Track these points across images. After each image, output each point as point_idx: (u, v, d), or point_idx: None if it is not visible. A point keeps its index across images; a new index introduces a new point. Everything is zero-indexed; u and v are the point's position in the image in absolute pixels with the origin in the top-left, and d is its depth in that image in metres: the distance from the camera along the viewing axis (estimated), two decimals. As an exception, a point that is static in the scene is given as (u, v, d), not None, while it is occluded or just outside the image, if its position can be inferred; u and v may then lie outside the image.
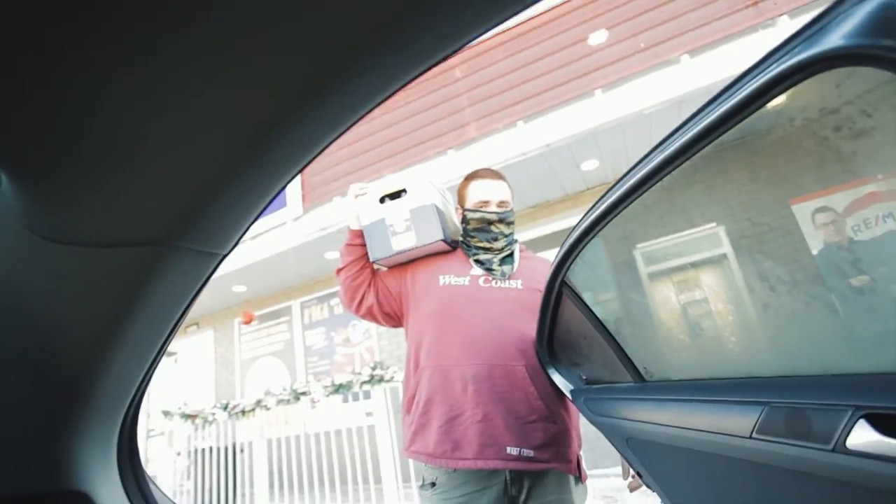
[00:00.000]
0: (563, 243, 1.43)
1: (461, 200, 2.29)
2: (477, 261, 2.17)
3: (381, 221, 2.19)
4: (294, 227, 6.97)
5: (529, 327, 1.95)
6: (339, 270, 2.30)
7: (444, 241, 2.16)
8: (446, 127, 6.25)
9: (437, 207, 2.18)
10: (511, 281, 2.14)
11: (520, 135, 5.67)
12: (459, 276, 2.14)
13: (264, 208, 0.64)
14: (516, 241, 2.29)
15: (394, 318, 2.27)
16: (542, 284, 1.68)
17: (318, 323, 8.38)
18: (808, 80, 0.82)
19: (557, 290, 1.52)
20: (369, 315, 2.28)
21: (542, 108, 5.69)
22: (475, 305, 2.06)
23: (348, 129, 0.55)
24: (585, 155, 5.78)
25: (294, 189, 7.10)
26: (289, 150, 0.57)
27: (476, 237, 2.20)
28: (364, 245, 2.26)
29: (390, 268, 2.31)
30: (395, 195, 2.20)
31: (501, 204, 2.20)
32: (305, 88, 0.48)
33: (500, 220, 2.18)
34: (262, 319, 8.98)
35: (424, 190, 2.18)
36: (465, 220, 2.26)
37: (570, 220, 6.76)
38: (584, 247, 1.37)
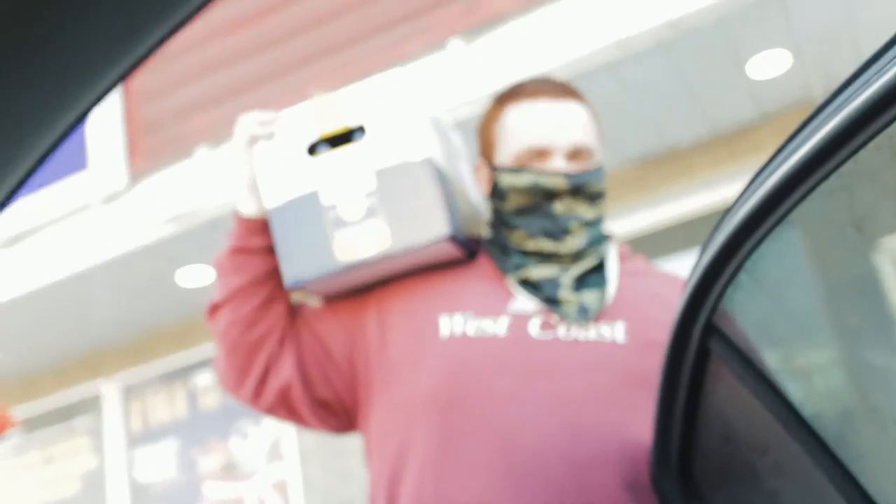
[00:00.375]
0: (707, 245, 0.96)
1: (486, 149, 1.49)
2: (525, 282, 1.40)
3: (312, 199, 1.37)
4: (108, 214, 4.68)
5: (644, 430, 1.24)
6: (214, 309, 1.44)
7: (452, 240, 1.35)
8: None
9: (436, 166, 1.36)
10: (603, 325, 1.36)
11: (610, 1, 3.66)
12: (486, 315, 1.37)
13: (27, 175, 0.45)
14: (609, 236, 1.49)
15: (336, 414, 1.45)
16: (666, 331, 1.14)
17: (163, 430, 6.14)
18: None
19: (698, 348, 1.04)
20: (282, 407, 1.43)
21: None
22: (522, 384, 1.30)
23: None
24: (758, 39, 3.80)
25: (107, 135, 4.75)
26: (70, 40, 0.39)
27: (522, 228, 1.42)
28: (269, 252, 1.42)
29: (329, 301, 1.48)
30: (340, 139, 1.38)
31: (577, 154, 1.41)
32: None
33: (576, 191, 1.40)
34: (31, 426, 6.52)
35: (408, 126, 1.36)
36: (496, 193, 1.46)
37: (719, 192, 4.63)
38: (754, 248, 0.89)
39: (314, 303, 1.52)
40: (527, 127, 1.40)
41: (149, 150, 4.43)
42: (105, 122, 4.34)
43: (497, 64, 3.68)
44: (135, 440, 6.09)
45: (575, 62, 3.57)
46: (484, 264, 1.44)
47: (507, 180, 1.40)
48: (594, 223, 1.42)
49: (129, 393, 6.14)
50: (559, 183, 1.36)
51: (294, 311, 1.47)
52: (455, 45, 3.74)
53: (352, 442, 4.95)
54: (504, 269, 1.41)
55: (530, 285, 1.38)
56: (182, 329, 5.86)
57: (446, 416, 1.29)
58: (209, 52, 4.34)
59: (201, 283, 5.11)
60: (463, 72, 3.84)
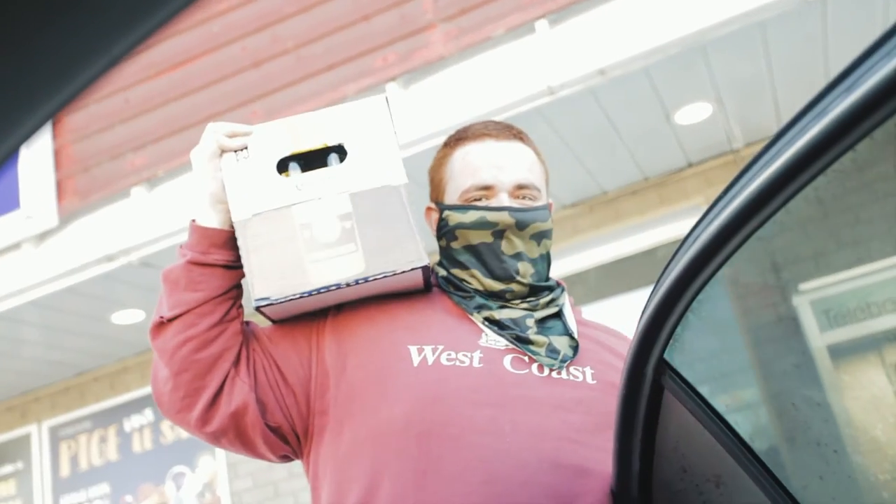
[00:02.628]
0: (657, 285, 1.00)
1: (436, 191, 1.49)
2: (491, 322, 1.36)
3: (285, 215, 1.30)
4: (38, 254, 4.44)
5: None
6: (161, 325, 1.30)
7: (424, 269, 1.32)
8: (385, 34, 3.96)
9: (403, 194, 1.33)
10: (572, 368, 1.34)
11: (541, 48, 3.68)
12: (458, 348, 1.32)
13: None
14: (562, 286, 1.49)
15: (285, 441, 1.36)
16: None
17: (93, 474, 5.80)
18: None
19: (651, 384, 1.05)
20: (231, 432, 1.31)
21: None
22: (500, 415, 1.26)
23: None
24: (683, 94, 3.92)
25: (39, 174, 4.49)
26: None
27: (472, 269, 1.40)
28: (233, 267, 1.32)
29: (281, 322, 1.40)
30: (313, 157, 1.33)
31: (521, 191, 1.41)
32: None
33: (521, 227, 1.38)
34: None
35: (385, 149, 1.33)
36: (445, 233, 1.44)
37: (649, 236, 4.68)
38: (700, 289, 0.94)
39: (261, 324, 1.44)
40: (472, 166, 1.40)
41: (81, 189, 4.27)
42: (36, 161, 4.16)
43: (432, 108, 3.66)
44: (62, 485, 5.82)
45: (507, 107, 3.55)
46: (443, 300, 1.41)
47: (454, 218, 1.39)
48: (540, 261, 1.41)
49: (59, 436, 5.84)
50: (504, 218, 1.36)
51: (245, 331, 1.37)
52: (392, 89, 3.73)
53: (286, 485, 4.84)
54: (466, 308, 1.37)
55: (497, 324, 1.35)
56: (114, 370, 5.65)
57: (423, 443, 1.22)
58: (141, 90, 4.22)
59: (133, 321, 4.91)
60: (398, 115, 3.68)
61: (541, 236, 1.40)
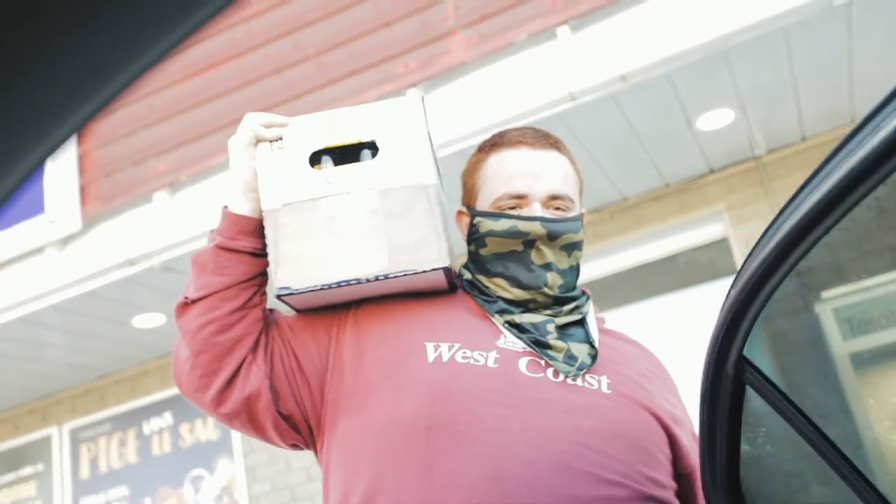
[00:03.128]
0: (735, 283, 0.98)
1: (468, 196, 1.48)
2: (512, 324, 1.35)
3: (313, 207, 1.29)
4: (61, 258, 4.42)
5: (621, 479, 1.24)
6: (186, 305, 1.33)
7: (447, 270, 1.32)
8: (407, 40, 3.90)
9: (438, 192, 1.33)
10: (588, 376, 1.32)
11: (563, 53, 3.63)
12: (474, 347, 1.32)
13: None
14: (587, 294, 1.49)
15: (296, 430, 1.38)
16: (647, 396, 1.34)
17: (114, 477, 5.75)
18: None
19: (733, 381, 1.05)
20: (244, 415, 1.34)
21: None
22: (511, 416, 1.24)
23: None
24: (705, 99, 3.88)
25: (63, 179, 4.46)
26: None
27: (500, 277, 1.40)
28: (255, 255, 1.33)
29: (302, 312, 1.41)
30: (348, 151, 1.32)
31: (554, 202, 1.40)
32: None
33: (553, 238, 1.38)
34: None
35: (417, 148, 1.32)
36: (475, 239, 1.43)
37: (670, 242, 4.68)
38: (776, 288, 0.93)
39: (285, 314, 1.45)
40: (506, 174, 1.40)
41: (104, 193, 4.29)
42: (61, 166, 4.18)
43: (453, 114, 3.66)
44: (84, 487, 5.83)
45: (528, 112, 3.54)
46: (466, 300, 1.41)
47: (485, 225, 1.39)
48: (569, 273, 1.40)
49: (79, 438, 5.87)
50: (535, 228, 1.35)
51: (267, 318, 1.39)
52: (413, 95, 3.70)
53: (303, 489, 4.84)
54: (488, 310, 1.38)
55: (517, 327, 1.34)
56: (135, 374, 5.67)
57: (431, 438, 1.22)
58: (164, 97, 4.23)
59: (154, 325, 4.93)
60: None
61: (572, 247, 1.39)
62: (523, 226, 1.35)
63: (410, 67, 3.75)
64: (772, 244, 0.92)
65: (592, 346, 1.34)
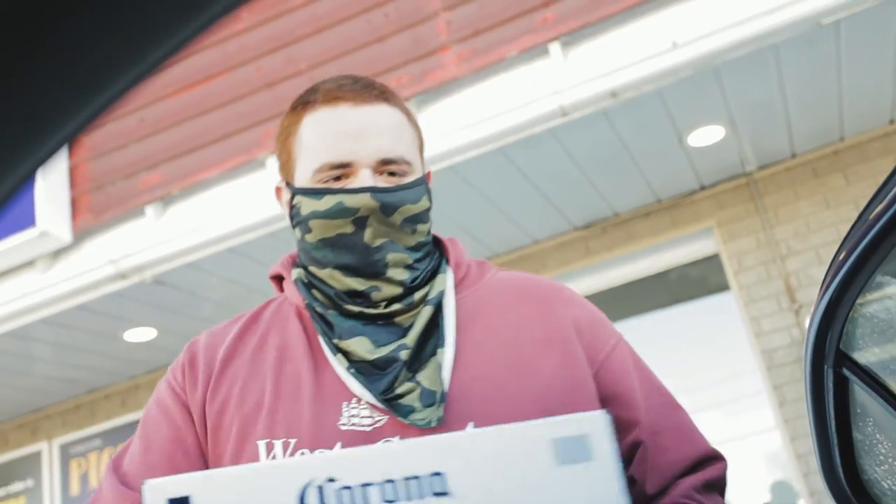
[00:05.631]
0: (827, 280, 0.95)
1: (285, 167, 1.22)
2: (353, 361, 1.12)
3: None
4: (52, 271, 4.39)
5: None
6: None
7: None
8: (399, 55, 3.91)
9: None
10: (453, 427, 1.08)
11: (554, 69, 3.62)
12: (313, 440, 1.07)
13: None
14: (439, 265, 1.20)
15: None
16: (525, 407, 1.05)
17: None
18: None
19: (834, 377, 1.02)
20: None
21: (600, 15, 3.55)
22: None
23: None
24: (696, 116, 3.89)
25: (53, 192, 4.43)
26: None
27: (331, 267, 1.15)
28: None
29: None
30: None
31: (386, 167, 1.14)
32: None
33: (388, 211, 1.13)
34: None
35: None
36: (297, 219, 1.18)
37: (666, 258, 4.69)
38: (869, 279, 0.93)
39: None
40: (324, 139, 1.14)
41: (95, 207, 4.25)
42: (52, 179, 4.15)
43: (445, 129, 3.67)
44: (73, 503, 5.76)
45: (520, 127, 3.55)
46: (305, 325, 1.16)
47: (307, 205, 1.14)
48: (415, 252, 1.15)
49: (70, 454, 5.81)
50: (365, 201, 1.10)
51: None
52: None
53: None
54: (325, 339, 1.11)
55: (362, 367, 1.09)
56: (125, 388, 5.63)
57: None
58: (156, 110, 4.22)
59: (145, 339, 4.89)
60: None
61: (414, 221, 1.14)
62: (350, 200, 1.10)
63: (403, 82, 3.76)
64: (861, 237, 0.92)
65: (438, 365, 1.08)
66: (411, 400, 1.04)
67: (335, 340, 1.10)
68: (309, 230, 1.13)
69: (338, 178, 1.12)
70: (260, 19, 4.09)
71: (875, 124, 4.00)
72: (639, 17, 3.39)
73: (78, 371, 5.22)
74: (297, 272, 1.19)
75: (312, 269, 1.15)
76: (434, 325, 1.12)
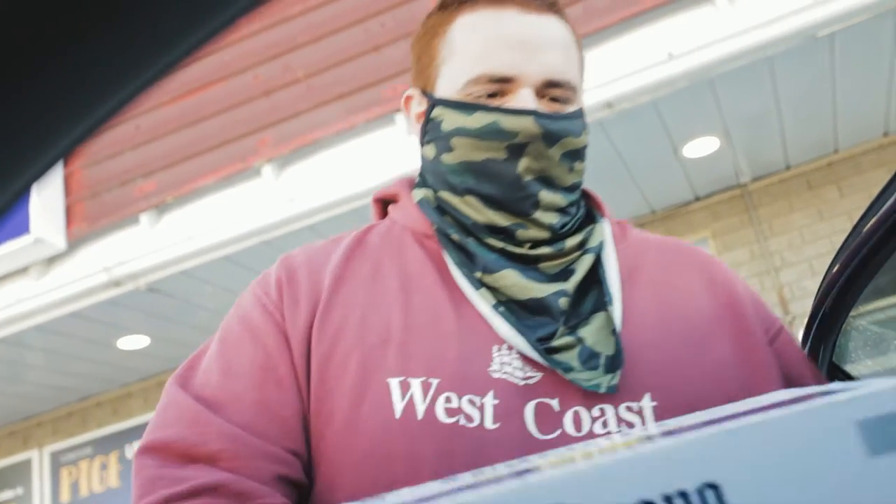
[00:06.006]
0: (827, 283, 1.04)
1: (423, 74, 1.02)
2: (504, 302, 0.92)
3: None
4: (46, 278, 4.36)
5: None
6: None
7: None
8: (395, 65, 3.88)
9: None
10: (623, 404, 0.87)
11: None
12: (464, 386, 0.86)
13: None
14: (596, 214, 1.05)
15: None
16: (709, 386, 0.88)
17: (93, 500, 5.73)
18: None
19: None
20: None
21: (596, 26, 3.55)
22: None
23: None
24: (691, 127, 3.86)
25: (47, 199, 4.42)
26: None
27: (472, 195, 0.97)
28: None
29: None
30: None
31: (552, 90, 0.95)
32: None
33: (550, 140, 0.94)
34: None
35: None
36: (434, 138, 1.00)
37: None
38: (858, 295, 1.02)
39: None
40: (484, 45, 0.96)
41: (90, 214, 4.24)
42: (47, 186, 4.15)
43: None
44: None
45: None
46: (430, 254, 0.97)
47: (452, 120, 0.96)
48: (570, 194, 0.97)
49: (60, 462, 5.81)
50: (528, 126, 0.91)
51: None
52: (401, 120, 3.74)
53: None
54: (465, 271, 0.93)
55: (512, 308, 0.91)
56: (118, 396, 5.61)
57: None
58: (152, 117, 4.22)
59: (141, 346, 4.87)
60: (406, 147, 3.79)
61: (574, 157, 0.96)
62: (508, 122, 0.92)
63: (399, 91, 3.76)
64: (855, 250, 0.94)
65: (608, 323, 0.90)
66: (569, 357, 0.87)
67: (478, 274, 0.91)
68: (449, 149, 0.95)
69: (492, 96, 0.94)
70: (257, 27, 4.10)
71: (869, 136, 4.03)
72: (635, 29, 3.42)
73: (70, 378, 5.21)
74: (422, 192, 1.01)
75: (444, 194, 0.97)
76: (591, 278, 0.94)
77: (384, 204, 1.08)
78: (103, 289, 4.10)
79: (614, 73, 3.39)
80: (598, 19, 3.44)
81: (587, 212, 1.02)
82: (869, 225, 0.94)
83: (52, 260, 4.22)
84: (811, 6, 3.08)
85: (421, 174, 1.03)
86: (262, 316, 0.92)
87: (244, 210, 3.80)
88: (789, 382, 0.91)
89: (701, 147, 3.90)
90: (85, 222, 4.19)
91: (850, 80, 3.49)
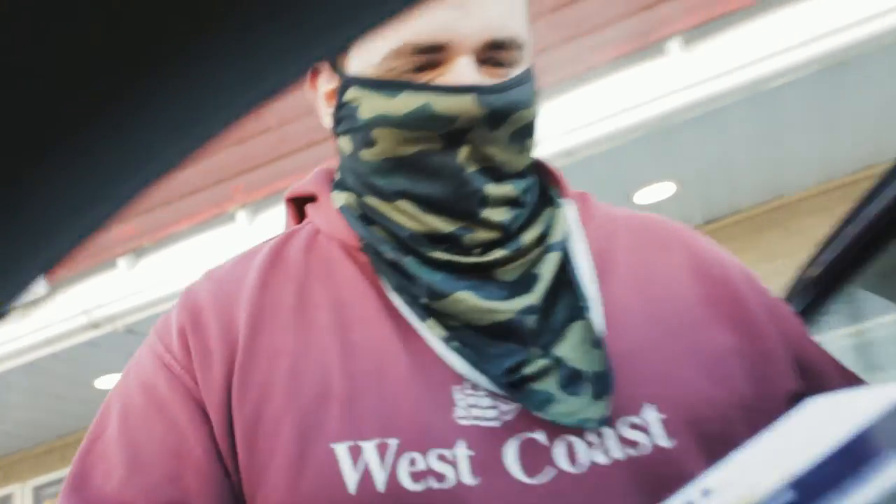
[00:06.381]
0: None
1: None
2: (453, 329, 0.71)
3: None
4: (25, 321, 4.33)
5: None
6: None
7: None
8: None
9: None
10: (622, 420, 0.67)
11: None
12: (426, 443, 0.66)
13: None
14: (555, 196, 0.81)
15: None
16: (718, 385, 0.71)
17: None
18: None
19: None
20: None
21: (558, 76, 3.58)
22: None
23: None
24: (647, 173, 3.87)
25: None
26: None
27: (404, 198, 0.74)
28: None
29: None
30: None
31: (493, 52, 0.72)
32: None
33: (496, 121, 0.71)
34: None
35: None
36: (349, 124, 0.76)
37: None
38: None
39: None
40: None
41: (69, 258, 4.16)
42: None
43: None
44: None
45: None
46: (366, 271, 0.76)
47: (370, 104, 0.74)
48: (524, 182, 0.77)
49: (42, 496, 5.79)
50: (468, 107, 0.70)
51: None
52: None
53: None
54: (406, 298, 0.73)
55: (469, 337, 0.71)
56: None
57: None
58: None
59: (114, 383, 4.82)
60: None
61: (526, 133, 0.76)
62: (445, 104, 0.71)
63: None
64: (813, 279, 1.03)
65: (589, 335, 0.71)
66: (547, 384, 0.69)
67: (424, 300, 0.71)
68: (370, 143, 0.74)
69: (420, 70, 0.72)
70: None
71: (810, 182, 4.18)
72: (593, 80, 3.53)
73: (50, 416, 5.20)
74: (343, 197, 0.79)
75: (370, 199, 0.76)
76: (560, 280, 0.75)
77: (299, 204, 0.85)
78: (82, 331, 4.13)
79: (574, 121, 3.52)
80: (559, 70, 3.57)
81: (542, 191, 0.81)
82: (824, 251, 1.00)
83: (33, 303, 4.27)
84: (760, 60, 3.22)
85: (339, 171, 0.81)
86: (167, 382, 0.72)
87: (219, 254, 3.83)
88: (801, 366, 0.77)
89: (653, 193, 4.00)
90: (65, 267, 4.19)
91: (795, 129, 3.63)
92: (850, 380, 0.79)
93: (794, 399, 0.69)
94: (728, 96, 3.33)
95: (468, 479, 0.65)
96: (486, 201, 0.72)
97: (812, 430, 0.47)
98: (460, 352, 0.69)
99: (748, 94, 3.30)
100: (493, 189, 0.73)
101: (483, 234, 0.73)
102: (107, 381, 4.77)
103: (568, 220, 0.78)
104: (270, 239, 0.81)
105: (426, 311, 0.71)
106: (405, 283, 0.72)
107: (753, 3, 3.22)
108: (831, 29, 3.09)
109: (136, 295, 4.03)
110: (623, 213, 0.87)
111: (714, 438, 0.67)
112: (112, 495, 0.69)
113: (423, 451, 0.65)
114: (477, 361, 0.69)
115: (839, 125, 3.66)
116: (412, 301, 0.71)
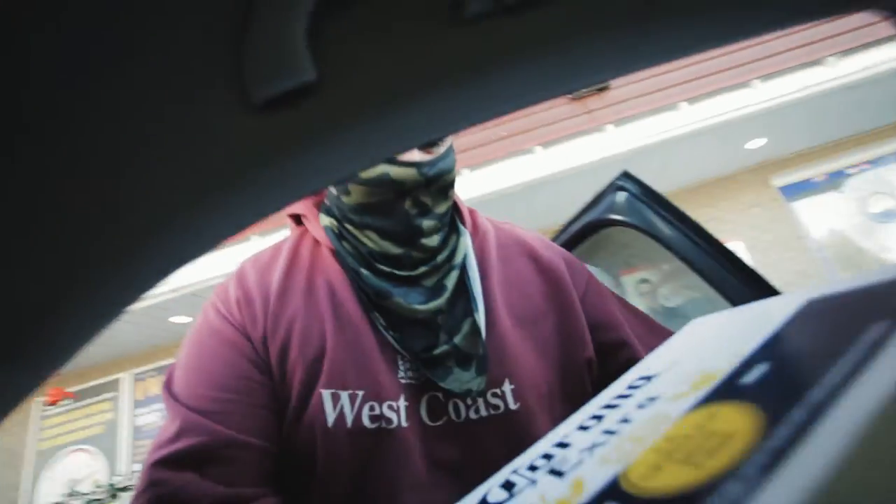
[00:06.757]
0: None
1: None
2: (393, 322, 0.97)
3: None
4: None
5: None
6: None
7: None
8: None
9: None
10: (492, 395, 0.95)
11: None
12: (381, 395, 0.91)
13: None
14: (459, 228, 1.09)
15: None
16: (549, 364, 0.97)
17: (156, 398, 7.11)
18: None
19: None
20: None
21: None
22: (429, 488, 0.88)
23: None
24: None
25: None
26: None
27: (366, 225, 1.00)
28: None
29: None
30: None
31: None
32: None
33: (433, 182, 0.98)
34: (79, 396, 7.41)
35: None
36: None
37: None
38: None
39: None
40: None
41: None
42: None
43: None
44: (138, 404, 7.19)
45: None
46: (333, 262, 1.02)
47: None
48: (444, 217, 1.03)
49: (136, 378, 7.29)
50: (412, 176, 0.95)
51: None
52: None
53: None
54: (361, 296, 0.98)
55: (401, 325, 0.96)
56: (167, 345, 6.82)
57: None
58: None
59: (184, 321, 5.88)
60: None
61: (448, 188, 1.02)
62: (397, 173, 0.95)
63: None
64: None
65: (475, 329, 0.96)
66: (450, 362, 0.94)
67: (373, 298, 0.97)
68: (347, 192, 0.99)
69: None
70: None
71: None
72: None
73: (144, 336, 6.45)
74: (328, 220, 1.05)
75: (348, 225, 1.01)
76: (459, 288, 1.01)
77: (296, 219, 1.12)
78: (168, 294, 5.17)
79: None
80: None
81: (451, 220, 1.07)
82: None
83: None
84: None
85: (327, 200, 1.06)
86: (232, 331, 0.95)
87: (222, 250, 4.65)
88: (597, 330, 1.03)
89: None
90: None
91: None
92: (651, 328, 1.08)
93: (591, 364, 0.99)
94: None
95: (404, 422, 0.90)
96: (422, 233, 0.97)
97: (720, 333, 0.49)
98: (393, 336, 0.94)
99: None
100: (427, 224, 0.98)
101: (418, 255, 0.98)
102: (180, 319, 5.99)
103: (467, 245, 1.05)
104: (288, 237, 1.10)
105: (372, 305, 0.96)
106: (361, 284, 0.97)
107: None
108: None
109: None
110: (494, 227, 1.16)
111: (545, 398, 0.95)
112: (188, 389, 0.90)
113: (380, 402, 0.89)
114: (403, 342, 0.94)
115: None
116: (365, 297, 0.97)
